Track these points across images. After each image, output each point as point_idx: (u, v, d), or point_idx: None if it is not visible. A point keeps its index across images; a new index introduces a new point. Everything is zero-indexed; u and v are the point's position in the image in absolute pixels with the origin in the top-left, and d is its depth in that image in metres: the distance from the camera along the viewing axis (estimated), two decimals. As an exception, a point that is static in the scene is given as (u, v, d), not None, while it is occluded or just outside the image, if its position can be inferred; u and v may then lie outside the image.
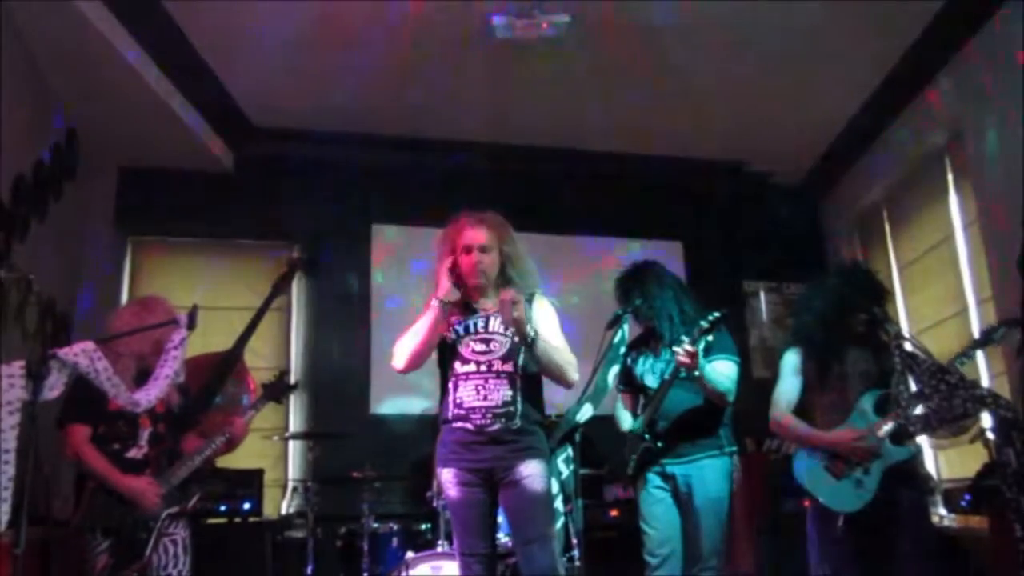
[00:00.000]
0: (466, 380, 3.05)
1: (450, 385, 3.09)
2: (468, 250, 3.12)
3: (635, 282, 3.84)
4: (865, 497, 3.16)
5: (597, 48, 5.16)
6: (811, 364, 3.46)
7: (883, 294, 3.51)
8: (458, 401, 3.04)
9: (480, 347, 3.07)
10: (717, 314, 3.48)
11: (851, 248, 6.73)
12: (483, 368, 3.04)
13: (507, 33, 4.75)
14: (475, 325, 3.12)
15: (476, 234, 3.14)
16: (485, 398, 3.00)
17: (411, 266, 6.36)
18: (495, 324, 3.10)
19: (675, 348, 3.43)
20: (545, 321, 3.15)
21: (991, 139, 4.84)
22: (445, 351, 3.15)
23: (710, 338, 3.54)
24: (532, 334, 2.98)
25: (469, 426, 3.01)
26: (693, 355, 3.38)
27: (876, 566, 3.15)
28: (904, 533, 3.13)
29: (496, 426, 2.98)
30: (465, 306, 3.17)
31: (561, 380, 3.11)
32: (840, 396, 3.37)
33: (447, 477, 3.04)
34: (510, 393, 3.02)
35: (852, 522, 3.17)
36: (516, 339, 3.04)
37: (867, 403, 3.28)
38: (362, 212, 6.38)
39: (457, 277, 3.08)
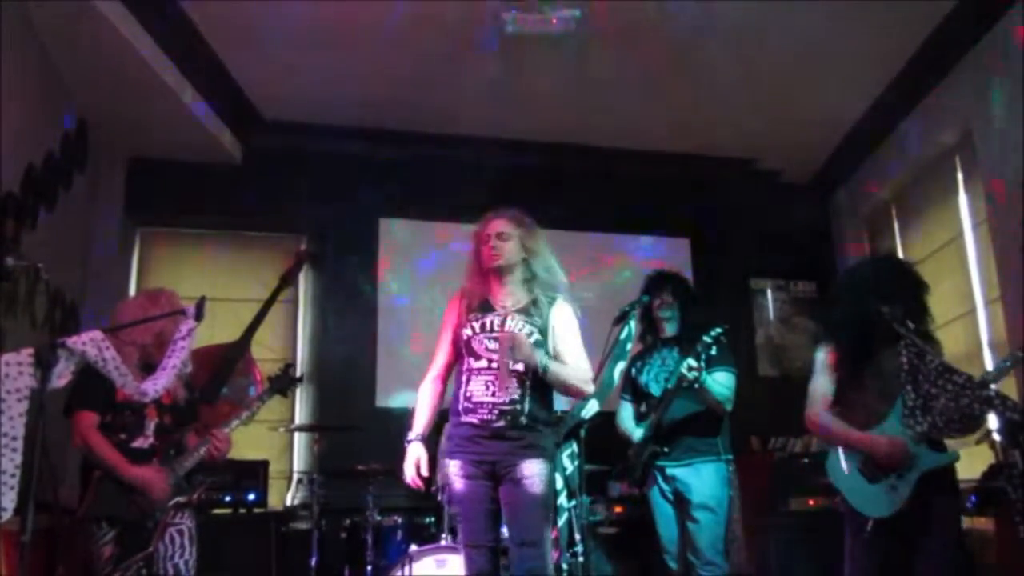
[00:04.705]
0: (478, 375, 3.13)
1: (462, 378, 3.16)
2: (487, 239, 3.24)
3: (666, 280, 4.16)
4: (897, 503, 3.05)
5: (607, 44, 5.15)
6: (844, 361, 3.32)
7: (918, 286, 3.34)
8: (468, 395, 3.12)
9: (494, 345, 3.13)
10: (719, 330, 3.80)
11: (860, 247, 6.70)
12: (495, 365, 3.10)
13: (517, 28, 4.74)
14: (491, 323, 3.18)
15: (495, 223, 3.27)
16: (494, 395, 3.07)
17: (418, 260, 6.37)
18: (510, 324, 3.17)
19: (683, 370, 3.75)
20: (563, 329, 3.24)
21: (1001, 138, 4.81)
22: (461, 345, 3.22)
23: (712, 352, 3.81)
24: (543, 365, 3.07)
25: (475, 420, 3.08)
26: (698, 370, 3.72)
27: (900, 569, 3.07)
28: (933, 538, 3.03)
29: (501, 423, 3.05)
30: (485, 304, 3.25)
31: (576, 396, 3.31)
32: (876, 395, 3.22)
33: (453, 469, 3.11)
34: (519, 392, 3.08)
35: (882, 526, 3.08)
36: (531, 341, 3.13)
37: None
38: (370, 206, 6.37)
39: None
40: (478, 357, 3.14)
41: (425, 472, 3.18)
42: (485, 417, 3.06)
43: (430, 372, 3.32)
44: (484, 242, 3.25)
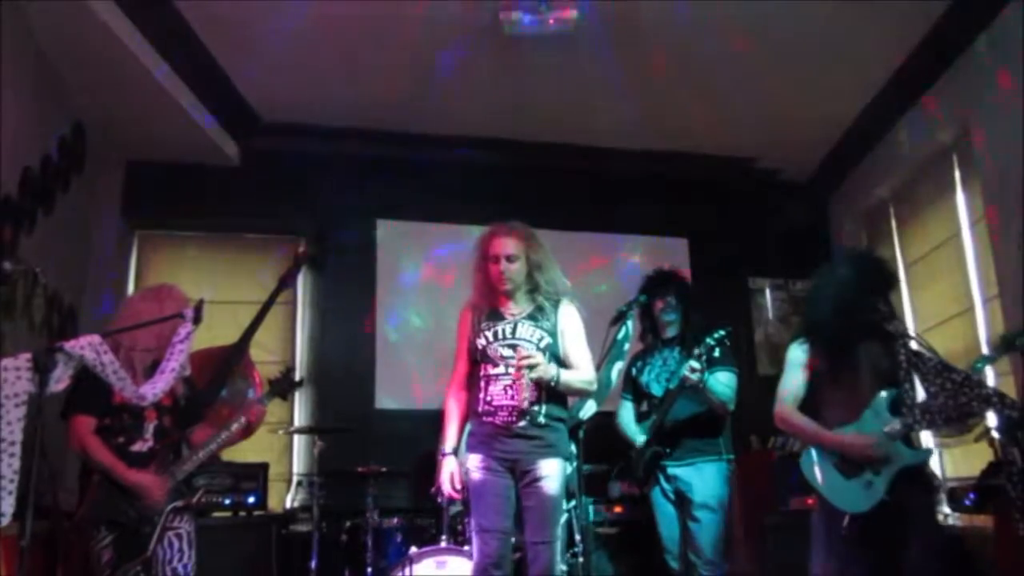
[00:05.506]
0: (496, 380, 3.32)
1: (481, 383, 3.35)
2: (496, 259, 3.39)
3: (667, 281, 4.19)
4: (874, 498, 3.08)
5: (605, 44, 5.15)
6: (821, 358, 3.33)
7: (893, 283, 3.40)
8: (488, 399, 3.32)
9: (507, 352, 3.32)
10: (723, 332, 3.85)
11: (858, 245, 6.70)
12: (511, 370, 3.27)
13: (515, 29, 4.73)
14: (503, 331, 3.38)
15: (503, 244, 3.41)
16: (512, 398, 3.27)
17: (417, 261, 6.37)
18: (521, 330, 3.36)
19: (685, 371, 3.77)
20: (570, 332, 3.42)
21: (999, 136, 4.81)
22: (476, 353, 3.40)
23: (715, 353, 3.86)
24: (555, 379, 3.27)
25: (497, 421, 3.29)
26: (701, 371, 3.76)
27: (882, 566, 3.09)
28: (913, 535, 3.05)
29: (521, 423, 3.25)
30: (494, 312, 3.42)
31: (579, 396, 3.58)
32: (852, 392, 3.24)
33: (474, 463, 3.31)
34: (535, 394, 3.28)
35: (859, 522, 3.10)
36: (541, 345, 3.33)
37: (882, 402, 3.15)
38: (368, 207, 6.38)
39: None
40: (495, 364, 3.33)
41: (459, 485, 3.36)
42: (506, 419, 3.26)
43: (452, 384, 3.50)
44: (493, 262, 3.40)
